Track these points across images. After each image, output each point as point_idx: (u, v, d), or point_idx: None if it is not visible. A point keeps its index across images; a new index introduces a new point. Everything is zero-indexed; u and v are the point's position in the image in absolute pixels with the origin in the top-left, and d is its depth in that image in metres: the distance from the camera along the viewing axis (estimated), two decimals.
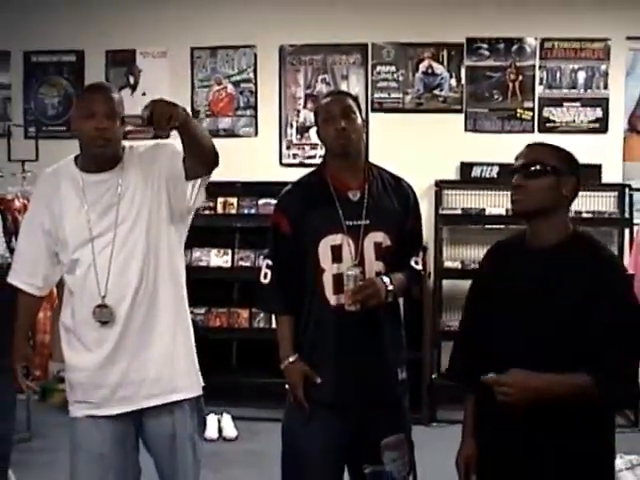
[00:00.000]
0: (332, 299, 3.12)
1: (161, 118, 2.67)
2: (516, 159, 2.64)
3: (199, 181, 3.06)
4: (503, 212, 6.18)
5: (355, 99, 3.25)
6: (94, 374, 3.04)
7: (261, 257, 6.19)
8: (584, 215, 6.26)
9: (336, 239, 3.11)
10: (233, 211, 6.63)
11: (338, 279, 3.09)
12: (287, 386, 3.20)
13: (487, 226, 6.21)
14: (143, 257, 3.02)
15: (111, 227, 3.00)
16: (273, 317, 6.19)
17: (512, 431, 2.53)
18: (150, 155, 3.11)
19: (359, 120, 3.18)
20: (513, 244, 2.76)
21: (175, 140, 2.97)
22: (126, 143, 3.13)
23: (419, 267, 3.31)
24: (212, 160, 2.99)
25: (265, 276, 3.23)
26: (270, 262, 3.24)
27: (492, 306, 2.65)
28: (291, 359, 3.18)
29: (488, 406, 2.59)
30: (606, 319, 2.44)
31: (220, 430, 5.87)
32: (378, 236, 3.14)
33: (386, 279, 3.10)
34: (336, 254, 3.11)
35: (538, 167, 2.56)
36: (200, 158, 2.96)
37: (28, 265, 3.16)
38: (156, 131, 2.74)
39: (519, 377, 2.39)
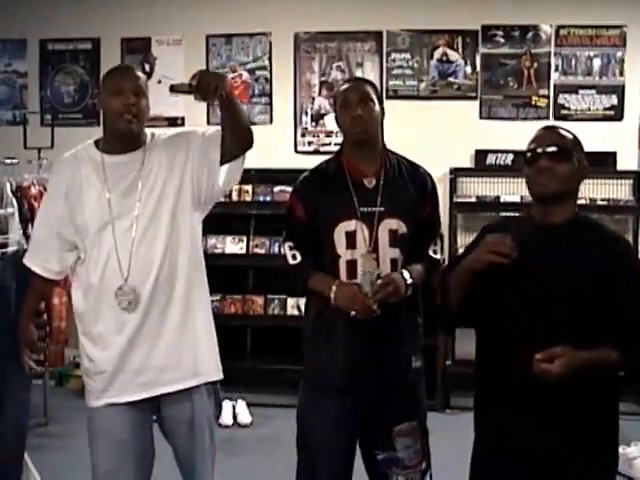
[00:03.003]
0: None
1: (208, 86, 2.81)
2: (533, 142, 2.68)
3: (233, 164, 3.08)
4: (518, 199, 6.17)
5: (374, 86, 3.25)
6: (115, 361, 3.03)
7: (277, 244, 6.25)
8: (599, 203, 6.25)
9: (350, 225, 3.11)
10: (248, 198, 6.65)
11: (351, 265, 3.10)
12: (335, 301, 3.05)
13: (502, 214, 6.19)
14: (166, 240, 3.03)
15: (133, 209, 3.00)
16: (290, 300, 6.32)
17: (523, 405, 2.57)
18: (176, 141, 3.12)
19: (377, 107, 3.17)
20: (519, 223, 2.78)
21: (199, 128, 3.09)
22: (148, 131, 3.15)
23: (438, 256, 3.29)
24: (248, 139, 3.04)
25: (294, 257, 3.20)
26: (292, 244, 3.22)
27: (498, 282, 2.65)
28: (337, 282, 3.07)
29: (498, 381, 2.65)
30: (625, 294, 2.51)
31: (235, 416, 5.88)
32: (393, 223, 3.14)
33: (405, 273, 3.10)
34: (350, 240, 3.11)
35: (564, 151, 2.62)
36: (238, 134, 3.00)
37: (42, 250, 3.14)
38: (201, 98, 2.88)
39: (568, 354, 2.40)
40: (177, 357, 3.07)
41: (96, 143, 3.13)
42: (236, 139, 3.02)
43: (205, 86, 2.82)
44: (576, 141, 2.67)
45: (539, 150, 2.63)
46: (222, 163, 3.06)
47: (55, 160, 3.26)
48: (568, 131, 2.70)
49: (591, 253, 2.55)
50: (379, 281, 3.03)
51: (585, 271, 2.52)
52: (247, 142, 3.05)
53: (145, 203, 3.01)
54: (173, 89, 2.91)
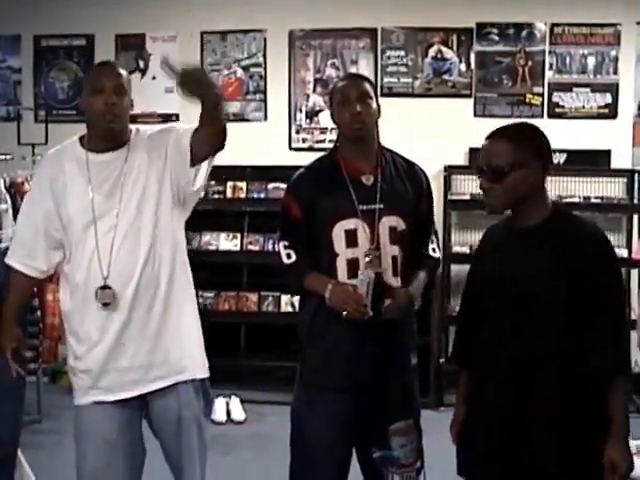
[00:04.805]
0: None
1: (189, 84, 2.75)
2: (479, 156, 2.70)
3: (204, 165, 3.06)
4: None
5: (371, 83, 3.24)
6: (101, 361, 3.03)
7: (271, 241, 6.24)
8: (593, 201, 6.26)
9: (350, 223, 3.10)
10: (242, 195, 6.65)
11: (352, 264, 3.09)
12: (329, 301, 3.05)
13: None
14: (149, 239, 3.02)
15: (115, 208, 2.99)
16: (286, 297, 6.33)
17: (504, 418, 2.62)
18: (156, 139, 3.11)
19: (374, 105, 3.17)
20: (502, 227, 2.81)
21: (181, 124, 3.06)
22: (133, 127, 3.14)
23: (437, 254, 3.31)
24: (221, 138, 2.97)
25: (288, 256, 3.18)
26: (287, 243, 3.20)
27: (482, 289, 2.72)
28: (333, 282, 3.07)
29: (482, 390, 2.72)
30: (592, 296, 2.50)
31: (228, 413, 5.89)
32: (392, 220, 3.13)
33: (411, 288, 3.13)
34: (351, 239, 3.09)
35: (496, 171, 2.60)
36: (211, 130, 2.94)
37: (27, 247, 3.11)
38: (180, 90, 2.77)
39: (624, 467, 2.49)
40: (163, 354, 3.07)
41: (81, 140, 3.12)
42: (207, 134, 2.95)
43: (185, 82, 2.74)
44: (523, 147, 2.59)
45: (479, 167, 2.66)
46: (194, 162, 3.03)
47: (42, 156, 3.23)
48: (519, 137, 2.63)
49: (566, 256, 2.53)
50: (387, 301, 3.03)
51: (558, 276, 2.52)
52: (219, 142, 2.99)
53: (127, 203, 3.00)
54: (164, 63, 2.77)
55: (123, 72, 3.07)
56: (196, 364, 3.17)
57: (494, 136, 2.68)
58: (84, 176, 3.02)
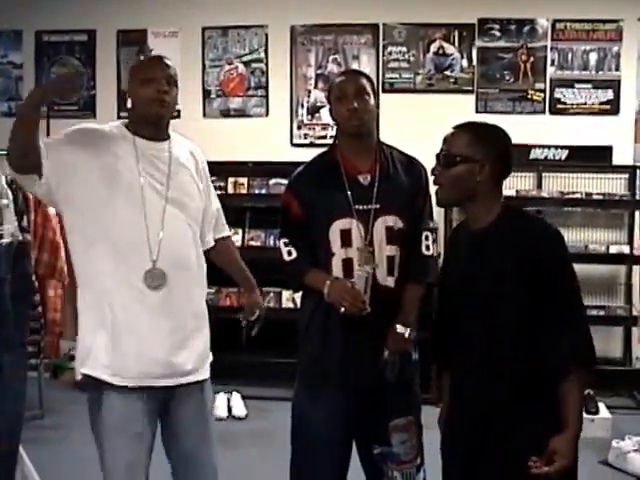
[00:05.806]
0: None
1: None
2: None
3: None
4: (513, 193, 6.17)
5: (369, 79, 3.22)
6: (135, 343, 2.94)
7: (272, 237, 6.24)
8: (594, 197, 6.26)
9: (345, 223, 3.09)
10: (244, 191, 6.65)
11: (346, 264, 3.09)
12: (328, 296, 3.06)
13: None
14: (191, 230, 3.06)
15: (163, 198, 2.98)
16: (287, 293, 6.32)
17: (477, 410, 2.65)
18: (199, 165, 3.23)
19: (372, 101, 3.15)
20: (462, 227, 2.83)
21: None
22: None
23: (430, 252, 3.26)
24: None
25: (289, 253, 3.19)
26: (287, 240, 3.21)
27: (451, 289, 2.77)
28: (331, 278, 3.09)
29: (458, 387, 2.79)
30: (549, 294, 2.51)
31: (230, 409, 5.91)
32: (389, 220, 3.13)
33: (400, 329, 3.14)
34: (345, 238, 3.09)
35: (448, 158, 2.62)
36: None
37: (47, 149, 2.84)
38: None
39: (564, 460, 2.46)
40: (189, 351, 3.04)
41: (126, 126, 3.08)
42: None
43: None
44: (479, 144, 2.61)
45: (437, 154, 2.67)
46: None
47: (89, 123, 3.12)
48: (479, 133, 2.64)
49: (520, 256, 2.52)
50: (386, 353, 3.09)
51: (515, 277, 2.52)
52: None
53: (174, 192, 3.02)
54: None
55: (172, 65, 3.11)
56: (207, 363, 3.18)
57: (461, 127, 2.69)
58: (135, 157, 2.99)
